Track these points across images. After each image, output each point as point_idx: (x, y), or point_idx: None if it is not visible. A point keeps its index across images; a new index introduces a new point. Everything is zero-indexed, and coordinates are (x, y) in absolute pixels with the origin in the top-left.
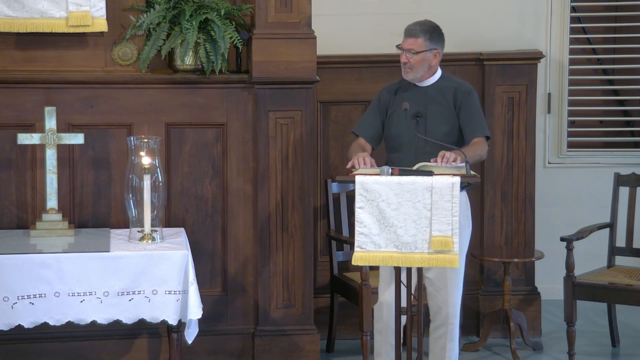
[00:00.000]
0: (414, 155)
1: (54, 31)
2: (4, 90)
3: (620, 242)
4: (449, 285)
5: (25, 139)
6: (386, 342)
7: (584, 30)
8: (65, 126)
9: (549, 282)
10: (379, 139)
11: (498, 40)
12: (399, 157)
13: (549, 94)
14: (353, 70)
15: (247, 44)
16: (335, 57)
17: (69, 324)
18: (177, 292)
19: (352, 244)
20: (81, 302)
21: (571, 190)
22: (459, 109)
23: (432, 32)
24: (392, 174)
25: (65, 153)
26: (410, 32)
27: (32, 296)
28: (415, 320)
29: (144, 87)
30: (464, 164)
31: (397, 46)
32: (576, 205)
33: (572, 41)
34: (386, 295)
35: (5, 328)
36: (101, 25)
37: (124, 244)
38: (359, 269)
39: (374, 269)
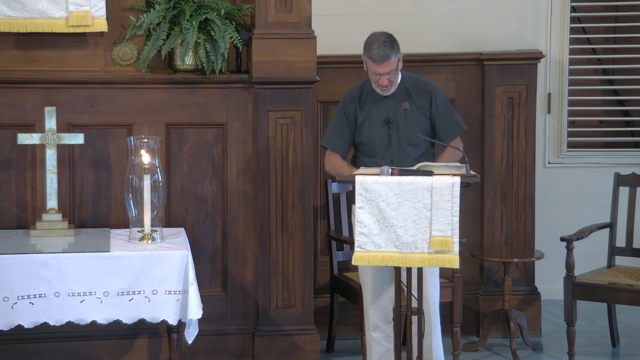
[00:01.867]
0: (390, 161)
1: (54, 31)
2: (4, 90)
3: (620, 242)
4: (426, 283)
5: (25, 139)
6: (373, 341)
7: (584, 30)
8: (65, 126)
9: (549, 282)
10: (349, 149)
11: (498, 40)
12: (375, 162)
13: (549, 94)
14: (353, 70)
15: (247, 44)
16: (335, 57)
17: (69, 324)
18: (177, 292)
19: (352, 244)
20: (81, 302)
21: (571, 190)
22: (434, 110)
23: (394, 45)
24: (392, 174)
25: (65, 153)
26: (382, 58)
27: (32, 296)
28: (412, 320)
29: (144, 87)
30: (464, 165)
31: (369, 71)
32: (576, 205)
33: (572, 41)
34: (369, 297)
35: (5, 328)
36: (101, 25)
37: (124, 244)
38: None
39: None
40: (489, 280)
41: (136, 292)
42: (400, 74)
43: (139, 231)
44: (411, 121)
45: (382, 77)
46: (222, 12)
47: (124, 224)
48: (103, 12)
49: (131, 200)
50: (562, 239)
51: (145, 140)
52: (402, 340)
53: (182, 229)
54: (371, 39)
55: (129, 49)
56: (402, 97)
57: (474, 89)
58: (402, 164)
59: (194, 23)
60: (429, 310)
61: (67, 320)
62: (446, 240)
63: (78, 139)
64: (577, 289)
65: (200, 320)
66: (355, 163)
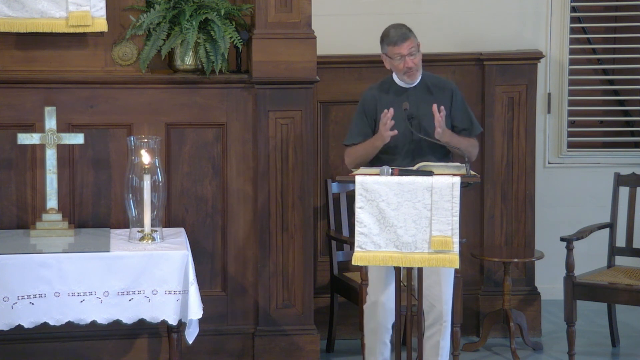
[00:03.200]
0: (411, 156)
1: (54, 31)
2: (4, 90)
3: (620, 242)
4: (442, 282)
5: (25, 139)
6: (380, 342)
7: (584, 30)
8: (65, 126)
9: (549, 282)
10: None
11: (498, 40)
12: (393, 159)
13: (549, 94)
14: (353, 70)
15: (247, 44)
16: (335, 57)
17: (69, 324)
18: (177, 292)
19: (352, 244)
20: (81, 302)
21: (571, 190)
22: (454, 108)
23: (410, 29)
24: (392, 174)
25: (65, 153)
26: (403, 36)
27: (32, 296)
28: (415, 319)
29: (144, 87)
30: (464, 165)
31: (393, 59)
32: (576, 205)
33: (572, 41)
34: (379, 296)
35: (5, 328)
36: (101, 25)
37: (124, 244)
38: (359, 269)
39: None
40: (489, 280)
41: (136, 292)
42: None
43: (139, 231)
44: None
45: (407, 58)
46: (222, 12)
47: (124, 224)
48: (103, 12)
49: (131, 200)
50: (562, 239)
51: (145, 140)
52: (402, 340)
53: (182, 229)
54: (386, 30)
55: (129, 49)
56: (424, 92)
57: (474, 89)
58: (423, 160)
59: (194, 23)
60: (442, 309)
61: (67, 320)
62: (446, 240)
63: (78, 139)
64: (577, 289)
65: (200, 320)
66: (372, 160)
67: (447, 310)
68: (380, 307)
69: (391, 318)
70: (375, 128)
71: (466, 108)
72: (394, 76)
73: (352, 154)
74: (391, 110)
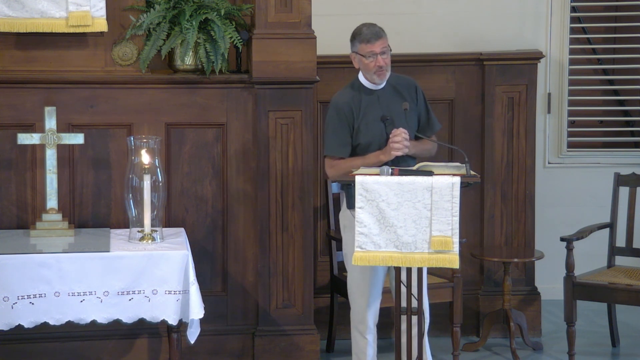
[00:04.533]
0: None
1: (54, 31)
2: (4, 90)
3: (620, 242)
4: (420, 278)
5: (25, 139)
6: (367, 344)
7: (584, 30)
8: (65, 126)
9: (549, 282)
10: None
11: (498, 40)
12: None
13: (549, 94)
14: (353, 70)
15: (247, 44)
16: (335, 57)
17: (69, 323)
18: (177, 292)
19: None
20: (81, 301)
21: (571, 190)
22: (419, 105)
23: (381, 28)
24: (392, 174)
25: (65, 153)
26: (377, 34)
27: (32, 296)
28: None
29: (144, 87)
30: (464, 165)
31: (364, 57)
32: (576, 205)
33: (572, 41)
34: (365, 299)
35: (5, 328)
36: (101, 25)
37: (124, 244)
38: None
39: None
40: (489, 280)
41: (136, 292)
42: None
43: (139, 231)
44: (405, 117)
45: (379, 57)
46: (222, 12)
47: (124, 224)
48: (103, 12)
49: (131, 200)
50: (562, 239)
51: (145, 140)
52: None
53: (182, 229)
54: (358, 28)
55: (129, 49)
56: (392, 93)
57: (474, 89)
58: (400, 162)
59: (194, 23)
60: (421, 307)
61: (67, 320)
62: (446, 240)
63: (78, 139)
64: (577, 289)
65: (200, 320)
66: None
67: (426, 308)
68: (369, 310)
69: (375, 319)
70: (354, 130)
71: (427, 104)
72: (361, 78)
73: (342, 167)
74: (402, 129)
